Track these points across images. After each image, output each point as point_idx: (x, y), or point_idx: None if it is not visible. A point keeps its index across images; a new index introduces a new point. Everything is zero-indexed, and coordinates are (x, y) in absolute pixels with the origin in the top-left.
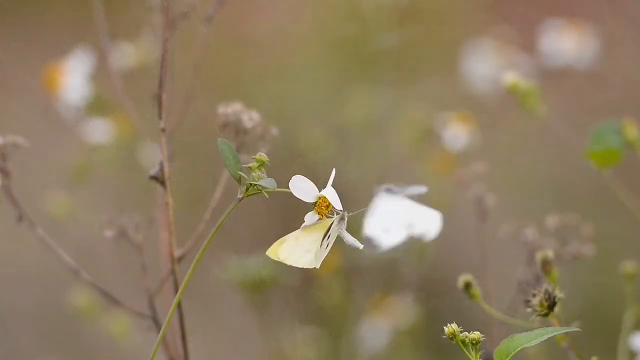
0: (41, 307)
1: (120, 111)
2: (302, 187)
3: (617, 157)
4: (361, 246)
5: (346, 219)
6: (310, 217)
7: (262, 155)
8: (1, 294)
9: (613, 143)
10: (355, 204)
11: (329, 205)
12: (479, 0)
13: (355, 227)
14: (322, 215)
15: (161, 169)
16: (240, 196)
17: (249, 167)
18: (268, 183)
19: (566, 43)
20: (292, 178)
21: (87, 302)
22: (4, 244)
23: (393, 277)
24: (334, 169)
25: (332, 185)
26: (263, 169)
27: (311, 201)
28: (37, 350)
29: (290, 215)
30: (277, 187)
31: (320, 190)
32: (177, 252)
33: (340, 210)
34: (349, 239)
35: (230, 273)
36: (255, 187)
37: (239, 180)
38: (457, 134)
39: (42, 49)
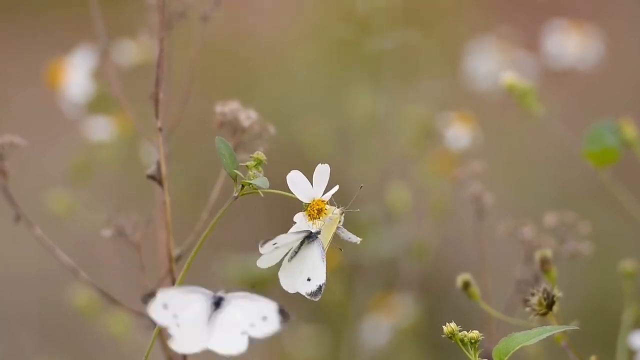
0: (41, 307)
1: (121, 109)
2: (299, 184)
3: (614, 156)
4: (359, 240)
5: (342, 220)
6: (300, 218)
7: (259, 154)
8: (1, 294)
9: (610, 143)
10: (355, 204)
11: (321, 210)
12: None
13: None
14: (312, 219)
15: (158, 168)
16: (236, 195)
17: (246, 166)
18: (261, 182)
19: (569, 43)
20: (291, 172)
21: (86, 301)
22: (4, 244)
23: (393, 276)
24: (337, 186)
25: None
26: (260, 168)
27: (306, 201)
28: (37, 350)
29: (290, 214)
30: (275, 187)
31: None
32: (175, 252)
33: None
34: (346, 235)
35: (230, 272)
36: (251, 186)
37: (235, 178)
38: (458, 133)
39: (43, 46)
